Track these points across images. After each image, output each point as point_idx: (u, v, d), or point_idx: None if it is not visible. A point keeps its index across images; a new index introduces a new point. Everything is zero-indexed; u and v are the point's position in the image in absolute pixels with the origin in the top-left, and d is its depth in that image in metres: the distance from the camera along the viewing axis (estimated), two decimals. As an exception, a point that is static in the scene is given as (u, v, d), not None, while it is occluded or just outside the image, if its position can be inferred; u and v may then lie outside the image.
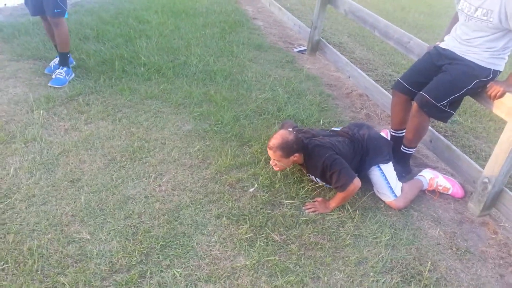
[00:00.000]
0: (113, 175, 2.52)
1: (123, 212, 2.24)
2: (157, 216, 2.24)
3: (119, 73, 3.79)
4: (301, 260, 2.06)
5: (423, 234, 2.31)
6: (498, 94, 2.32)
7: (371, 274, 2.02)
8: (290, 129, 2.52)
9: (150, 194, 2.41)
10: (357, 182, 2.30)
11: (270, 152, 2.39)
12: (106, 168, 2.58)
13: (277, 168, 2.49)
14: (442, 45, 2.63)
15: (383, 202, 2.51)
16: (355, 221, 2.35)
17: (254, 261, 2.01)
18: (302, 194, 2.51)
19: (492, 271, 2.11)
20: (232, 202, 2.41)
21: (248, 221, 2.27)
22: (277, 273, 1.96)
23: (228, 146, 2.91)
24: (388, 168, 2.54)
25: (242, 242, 2.12)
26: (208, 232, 2.17)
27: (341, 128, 2.78)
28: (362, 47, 5.59)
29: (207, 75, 4.00)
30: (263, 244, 2.12)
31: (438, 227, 2.38)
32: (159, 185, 2.49)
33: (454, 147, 2.81)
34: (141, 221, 2.19)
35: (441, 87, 2.46)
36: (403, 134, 2.92)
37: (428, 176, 2.69)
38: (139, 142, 2.86)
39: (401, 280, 2.00)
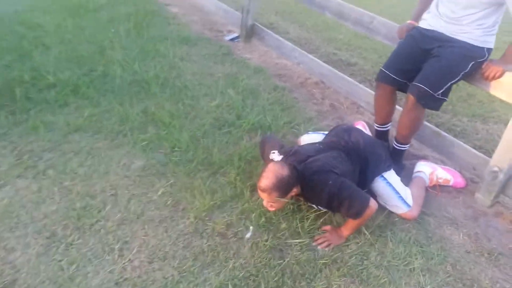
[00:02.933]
0: (61, 261, 1.86)
1: (94, 319, 1.63)
2: (143, 310, 1.68)
3: (23, 103, 2.94)
4: (342, 321, 1.69)
5: (449, 244, 2.09)
6: (497, 75, 2.13)
7: (424, 316, 1.73)
8: (278, 157, 2.08)
9: (121, 277, 1.81)
10: (373, 205, 1.97)
11: (263, 195, 1.94)
12: (47, 252, 1.89)
13: (274, 209, 2.04)
14: (424, 25, 2.35)
15: (395, 214, 2.22)
16: (377, 247, 2.03)
17: None
18: (307, 227, 2.11)
19: (531, 271, 1.96)
20: (231, 260, 1.92)
21: (262, 283, 1.82)
22: None
23: (198, 180, 2.37)
24: (392, 176, 2.25)
25: (266, 317, 1.68)
26: (218, 315, 1.69)
27: (326, 136, 2.40)
28: (294, 25, 5.24)
29: (139, 87, 3.31)
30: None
31: (459, 231, 2.17)
32: (130, 260, 1.90)
33: (444, 133, 2.62)
34: (124, 326, 1.62)
35: (436, 74, 2.20)
36: (389, 127, 2.66)
37: (428, 171, 2.47)
38: (81, 201, 2.19)
39: (455, 313, 1.74)
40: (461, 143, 2.54)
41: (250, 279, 1.84)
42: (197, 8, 5.43)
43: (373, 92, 3.13)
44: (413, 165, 2.57)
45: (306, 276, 1.87)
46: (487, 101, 3.63)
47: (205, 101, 3.18)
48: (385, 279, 1.87)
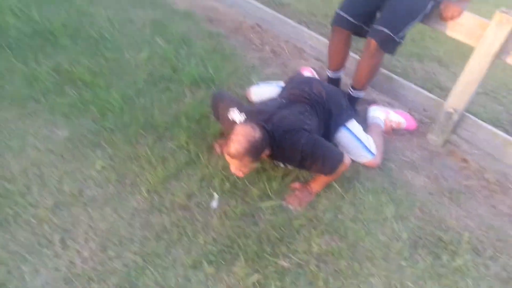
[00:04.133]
0: (-12, 266, 1.51)
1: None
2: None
3: None
4: (330, 282, 1.65)
5: (413, 188, 2.15)
6: (455, 14, 2.13)
7: (403, 264, 1.77)
8: (240, 116, 1.89)
9: (70, 273, 1.54)
10: (347, 161, 1.91)
11: (233, 161, 1.75)
12: (-36, 258, 1.52)
13: (243, 174, 1.87)
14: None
15: (359, 163, 2.21)
16: (347, 199, 2.01)
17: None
18: (275, 187, 2.00)
19: (486, 205, 2.12)
20: (200, 234, 1.74)
21: (240, 254, 1.69)
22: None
23: (143, 148, 2.09)
24: (355, 125, 2.21)
25: (252, 292, 1.57)
26: (199, 299, 1.53)
27: (284, 89, 2.25)
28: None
29: (44, 39, 2.77)
30: (281, 284, 1.61)
31: (419, 174, 2.24)
32: (77, 252, 1.62)
33: (396, 77, 2.63)
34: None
35: (397, 16, 2.13)
36: (341, 74, 2.60)
37: (382, 116, 2.49)
38: (-1, 187, 1.79)
39: (432, 257, 1.81)
40: (412, 85, 2.58)
41: (226, 252, 1.70)
42: None
43: (315, 35, 3.03)
44: (364, 111, 2.57)
45: (285, 240, 1.78)
46: (418, 39, 3.75)
47: (131, 54, 2.78)
48: (362, 231, 1.87)
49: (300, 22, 3.66)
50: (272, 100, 2.11)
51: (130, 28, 3.08)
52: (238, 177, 1.97)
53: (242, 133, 1.70)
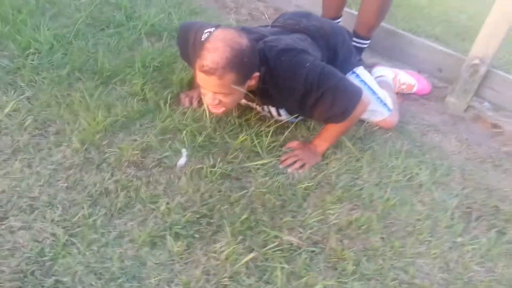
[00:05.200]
0: None
1: None
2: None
3: None
4: (363, 264, 1.12)
5: (444, 152, 1.69)
6: None
7: (459, 240, 1.27)
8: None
9: None
10: (366, 99, 1.43)
11: (208, 83, 1.22)
12: None
13: (221, 110, 1.34)
14: None
15: (372, 122, 1.74)
16: (365, 162, 1.50)
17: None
18: (265, 143, 1.47)
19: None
20: (161, 199, 1.17)
21: (224, 226, 1.12)
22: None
23: (79, 92, 1.50)
24: (366, 73, 1.76)
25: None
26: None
27: (275, 22, 1.76)
28: None
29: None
30: (290, 268, 1.06)
31: (447, 137, 1.80)
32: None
33: (401, 31, 2.23)
34: None
35: None
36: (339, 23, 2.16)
37: (390, 76, 2.05)
38: None
39: (495, 231, 1.33)
40: (423, 39, 2.19)
41: (202, 223, 1.13)
42: None
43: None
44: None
45: (288, 208, 1.24)
46: (408, 17, 3.43)
47: (72, -2, 2.21)
48: (393, 199, 1.36)
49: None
50: (262, 26, 1.61)
51: (72, -24, 2.51)
52: (214, 129, 1.43)
53: (222, 37, 1.18)
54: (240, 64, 1.19)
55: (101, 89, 1.55)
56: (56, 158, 1.22)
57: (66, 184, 1.15)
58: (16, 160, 1.19)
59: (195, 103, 1.58)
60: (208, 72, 1.17)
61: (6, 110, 1.35)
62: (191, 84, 1.69)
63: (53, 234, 1.01)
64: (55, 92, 1.48)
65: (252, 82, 1.30)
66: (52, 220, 1.04)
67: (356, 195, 1.35)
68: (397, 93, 2.03)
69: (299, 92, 1.33)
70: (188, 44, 1.47)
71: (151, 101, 1.55)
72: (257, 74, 1.28)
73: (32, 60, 1.61)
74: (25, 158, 1.20)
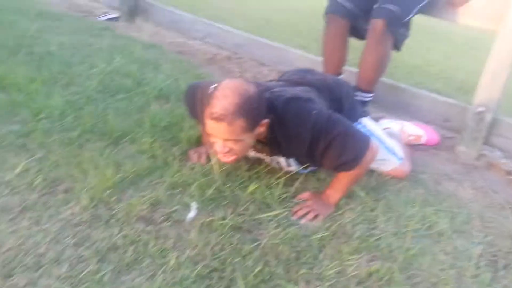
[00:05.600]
0: None
1: None
2: None
3: None
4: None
5: (461, 200, 1.65)
6: None
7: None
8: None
9: None
10: (375, 146, 1.44)
11: (218, 130, 1.24)
12: None
13: (231, 159, 1.35)
14: None
15: (384, 172, 1.73)
16: (379, 212, 1.47)
17: None
18: (276, 195, 1.45)
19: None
20: (171, 253, 1.14)
21: (237, 280, 1.08)
22: None
23: (90, 152, 1.53)
24: (372, 123, 1.79)
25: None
26: None
27: (280, 79, 1.84)
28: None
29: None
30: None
31: (462, 186, 1.77)
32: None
33: (404, 85, 2.30)
34: None
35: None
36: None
37: (396, 127, 2.08)
38: None
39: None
40: (426, 92, 2.24)
41: (214, 277, 1.08)
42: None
43: (307, 55, 2.74)
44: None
45: (303, 260, 1.20)
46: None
47: (82, 68, 2.33)
48: (413, 249, 1.31)
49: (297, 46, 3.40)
50: (267, 81, 1.67)
51: (86, 50, 2.68)
52: (224, 182, 1.43)
53: (231, 86, 1.23)
54: (249, 110, 1.22)
55: (110, 148, 1.58)
56: (64, 215, 1.21)
57: (73, 241, 1.13)
58: (24, 218, 1.18)
59: (203, 159, 1.60)
60: (218, 119, 1.20)
61: (16, 170, 1.37)
62: (199, 141, 1.73)
63: (59, 291, 0.97)
64: (65, 152, 1.51)
65: (261, 129, 1.32)
66: (58, 277, 1.01)
67: (374, 246, 1.30)
68: (406, 144, 2.04)
69: (308, 139, 1.35)
70: (195, 101, 1.53)
71: (160, 158, 1.57)
72: (266, 121, 1.31)
73: (43, 125, 1.66)
74: (33, 216, 1.19)
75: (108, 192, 1.33)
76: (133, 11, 3.65)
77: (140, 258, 1.11)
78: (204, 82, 1.60)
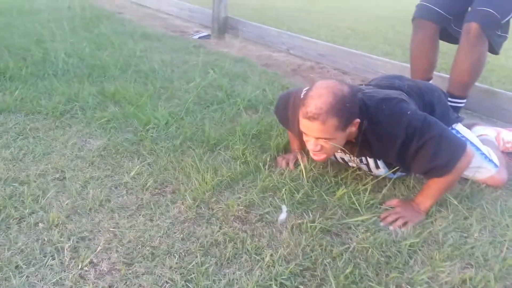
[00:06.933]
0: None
1: None
2: None
3: None
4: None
5: None
6: None
7: None
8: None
9: (79, 290, 1.04)
10: (471, 152, 1.38)
11: (313, 126, 1.28)
12: None
13: (323, 157, 1.39)
14: None
15: (479, 180, 1.64)
16: (473, 221, 1.41)
17: None
18: (363, 201, 1.46)
19: None
20: (266, 250, 1.21)
21: (328, 279, 1.12)
22: None
23: (190, 158, 1.68)
24: (466, 130, 1.71)
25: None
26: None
27: (369, 83, 1.84)
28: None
29: (92, 70, 2.63)
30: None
31: None
32: (92, 263, 1.13)
33: (500, 90, 2.16)
34: None
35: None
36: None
37: (492, 134, 1.95)
38: (9, 187, 1.41)
39: None
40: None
41: (306, 276, 1.14)
42: (153, 16, 4.93)
43: (392, 61, 2.69)
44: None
45: (393, 264, 1.20)
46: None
47: (181, 83, 2.55)
48: (511, 258, 1.24)
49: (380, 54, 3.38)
50: (357, 85, 1.69)
51: (184, 67, 2.91)
52: (312, 187, 1.48)
53: (325, 86, 1.27)
54: (342, 110, 1.25)
55: (208, 154, 1.72)
56: (173, 213, 1.35)
57: (181, 236, 1.25)
58: (140, 215, 1.34)
59: (291, 165, 1.66)
60: (312, 118, 1.25)
61: (131, 173, 1.55)
62: (287, 149, 1.80)
63: (172, 279, 1.09)
64: (171, 158, 1.67)
65: (352, 129, 1.34)
66: (171, 267, 1.13)
67: (468, 253, 1.26)
68: (502, 152, 1.91)
69: (400, 139, 1.33)
70: (287, 107, 1.59)
71: (251, 163, 1.66)
72: (357, 120, 1.33)
73: (152, 134, 1.86)
74: (147, 213, 1.35)
75: (208, 193, 1.45)
76: (223, 29, 3.87)
77: (238, 253, 1.20)
78: (295, 89, 1.67)
